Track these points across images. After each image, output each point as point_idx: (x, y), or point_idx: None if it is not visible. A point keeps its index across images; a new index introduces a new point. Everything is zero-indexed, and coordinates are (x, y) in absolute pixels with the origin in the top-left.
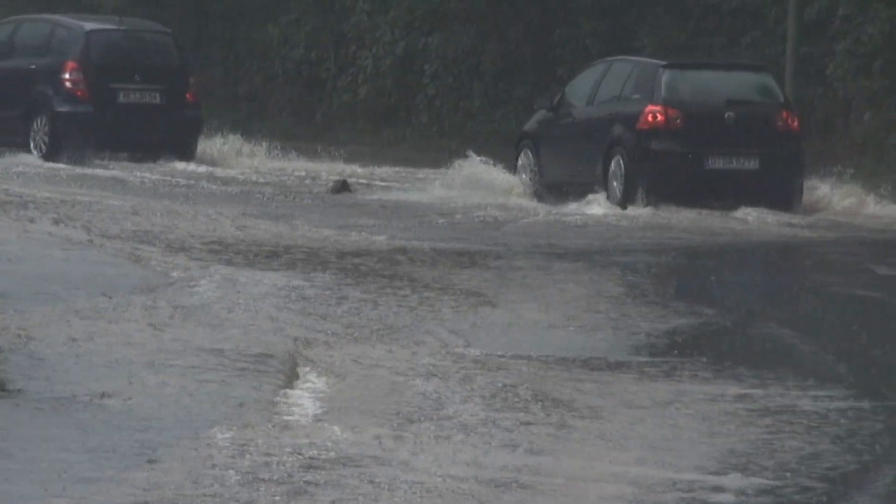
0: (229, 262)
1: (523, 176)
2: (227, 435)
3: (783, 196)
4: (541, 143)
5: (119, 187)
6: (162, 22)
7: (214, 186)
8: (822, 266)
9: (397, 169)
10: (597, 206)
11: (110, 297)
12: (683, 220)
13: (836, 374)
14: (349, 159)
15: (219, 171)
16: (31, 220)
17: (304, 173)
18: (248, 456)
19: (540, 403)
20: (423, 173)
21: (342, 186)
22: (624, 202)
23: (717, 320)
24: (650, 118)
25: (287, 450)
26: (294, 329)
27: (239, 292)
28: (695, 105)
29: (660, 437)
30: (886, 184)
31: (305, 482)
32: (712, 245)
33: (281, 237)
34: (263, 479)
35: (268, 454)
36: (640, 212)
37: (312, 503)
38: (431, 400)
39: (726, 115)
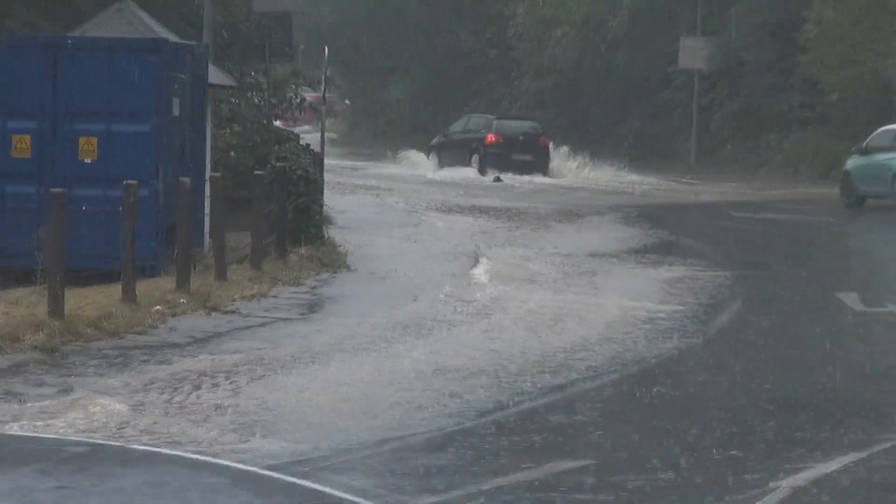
0: (449, 211)
1: (432, 163)
2: (448, 288)
3: (542, 170)
4: (440, 149)
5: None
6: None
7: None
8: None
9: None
10: (472, 174)
11: (395, 228)
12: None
13: (714, 260)
14: None
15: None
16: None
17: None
18: (457, 297)
19: (586, 272)
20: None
21: (497, 179)
22: (480, 173)
23: (666, 237)
24: (490, 139)
25: (475, 293)
26: (476, 241)
27: (450, 225)
28: (507, 134)
29: (637, 288)
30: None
31: (483, 307)
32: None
33: (472, 204)
34: (465, 304)
35: (466, 296)
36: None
37: (484, 314)
38: (535, 271)
39: (520, 137)
